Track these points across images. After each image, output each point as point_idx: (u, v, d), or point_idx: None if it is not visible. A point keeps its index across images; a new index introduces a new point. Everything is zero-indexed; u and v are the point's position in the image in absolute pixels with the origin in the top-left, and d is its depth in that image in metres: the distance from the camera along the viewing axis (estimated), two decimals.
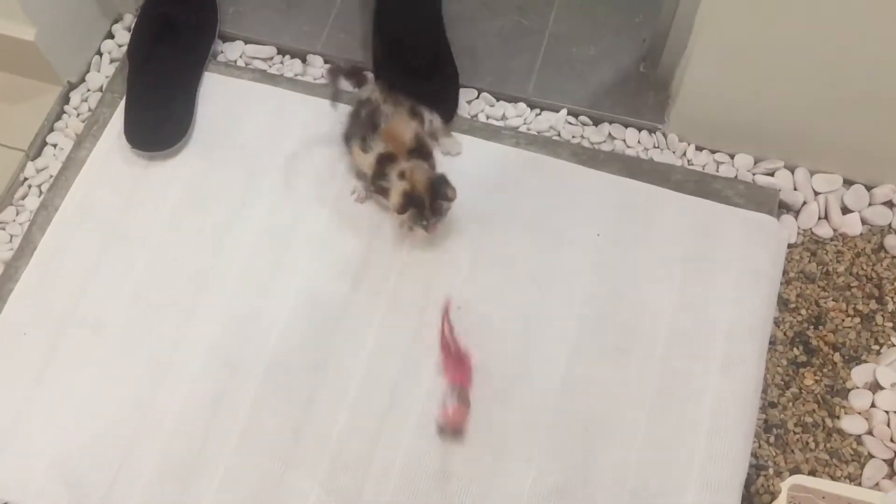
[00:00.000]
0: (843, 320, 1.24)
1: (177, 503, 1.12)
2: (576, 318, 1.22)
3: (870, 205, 1.32)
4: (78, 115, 1.45)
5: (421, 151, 1.24)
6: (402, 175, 1.21)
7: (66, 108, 1.46)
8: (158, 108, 1.38)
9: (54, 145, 1.42)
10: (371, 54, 1.43)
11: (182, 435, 1.15)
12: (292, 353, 1.21)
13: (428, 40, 1.41)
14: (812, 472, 1.14)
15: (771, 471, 1.15)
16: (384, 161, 1.22)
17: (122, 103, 1.40)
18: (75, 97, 1.47)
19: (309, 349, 1.22)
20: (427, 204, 1.20)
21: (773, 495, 1.13)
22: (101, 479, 1.13)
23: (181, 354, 1.21)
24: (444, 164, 1.32)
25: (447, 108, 1.36)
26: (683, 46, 1.28)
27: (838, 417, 1.18)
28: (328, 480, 1.12)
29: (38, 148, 1.42)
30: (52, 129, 1.44)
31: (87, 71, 1.50)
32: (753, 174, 1.35)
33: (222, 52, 1.50)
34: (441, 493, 1.12)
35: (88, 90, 1.48)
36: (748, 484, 1.13)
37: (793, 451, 1.16)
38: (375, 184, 1.24)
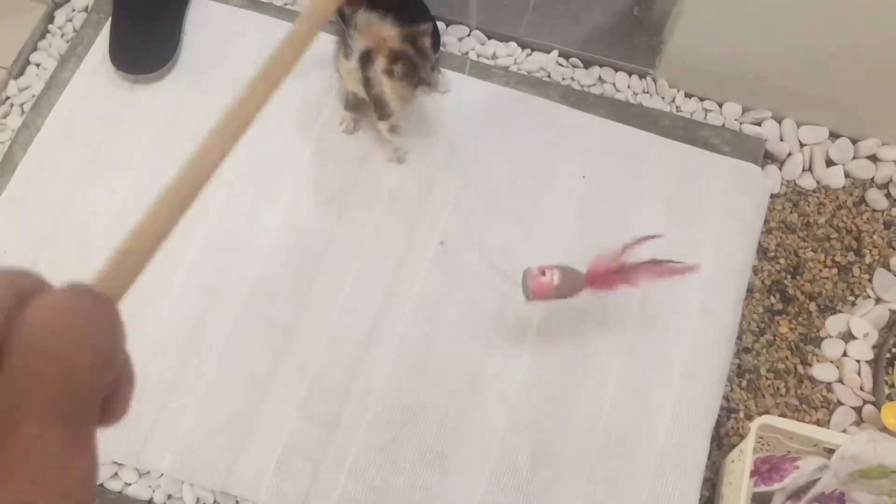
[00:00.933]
0: (821, 271, 1.26)
1: (155, 420, 1.13)
2: (558, 258, 1.22)
3: (854, 158, 1.33)
4: (62, 34, 1.43)
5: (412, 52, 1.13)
6: (388, 56, 1.11)
7: (51, 27, 1.43)
8: (145, 31, 1.35)
9: (37, 65, 1.40)
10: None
11: (162, 354, 1.16)
12: (274, 281, 1.21)
13: None
14: (782, 417, 1.16)
15: (741, 414, 1.18)
16: (367, 60, 1.14)
17: (108, 25, 1.38)
18: (60, 16, 1.44)
19: (291, 278, 1.22)
20: (413, 53, 1.10)
21: (743, 437, 1.15)
22: None
23: (162, 276, 1.21)
24: (432, 100, 1.31)
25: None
26: None
27: (810, 365, 1.20)
28: (306, 406, 1.14)
29: (20, 66, 1.40)
30: (35, 48, 1.42)
31: None
32: (741, 123, 1.35)
33: None
34: (418, 422, 1.13)
35: (74, 10, 1.45)
36: (718, 426, 1.16)
37: (764, 395, 1.18)
38: (369, 93, 1.16)
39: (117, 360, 0.29)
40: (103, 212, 1.26)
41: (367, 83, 1.17)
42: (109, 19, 1.38)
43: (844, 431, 1.16)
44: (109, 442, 1.12)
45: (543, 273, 1.03)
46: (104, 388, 0.28)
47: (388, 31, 1.13)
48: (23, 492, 0.25)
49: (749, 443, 0.99)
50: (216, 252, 1.23)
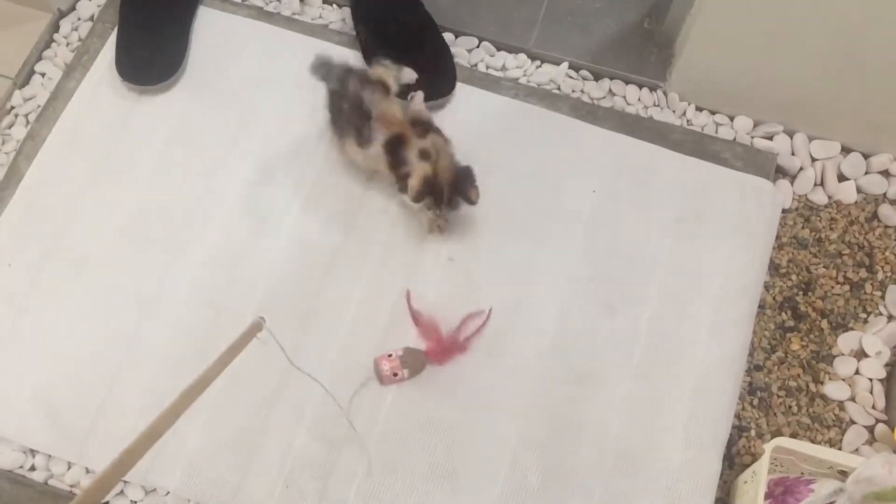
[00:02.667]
0: (833, 287, 1.25)
1: (163, 439, 1.11)
2: (568, 274, 1.22)
3: (866, 173, 1.32)
4: (68, 44, 1.41)
5: (419, 121, 1.18)
6: (424, 154, 1.14)
7: (56, 36, 1.42)
8: (151, 41, 1.34)
9: (42, 74, 1.39)
10: (357, 41, 1.38)
11: (167, 371, 1.15)
12: (281, 296, 1.20)
13: (409, 16, 1.36)
14: (793, 436, 1.16)
15: (753, 432, 1.16)
16: (395, 145, 1.15)
17: (114, 34, 1.37)
18: (65, 26, 1.43)
19: (298, 293, 1.21)
20: (445, 197, 1.14)
21: (755, 456, 1.14)
22: (84, 412, 1.13)
23: (167, 291, 1.20)
24: (443, 113, 1.30)
25: (447, 80, 1.33)
26: (690, 3, 1.26)
27: (822, 383, 1.19)
28: (314, 424, 1.12)
29: (25, 76, 1.39)
30: (40, 58, 1.40)
31: None
32: (752, 137, 1.34)
33: None
34: (427, 440, 1.12)
35: (79, 19, 1.43)
36: (730, 444, 1.15)
37: (775, 414, 1.17)
38: (396, 173, 1.16)
39: None
40: (108, 224, 1.24)
41: (394, 163, 1.16)
42: (115, 29, 1.37)
43: (857, 451, 1.15)
44: None
45: (391, 362, 1.14)
46: None
47: (399, 109, 1.17)
48: None
49: (763, 465, 0.98)
50: (223, 267, 1.22)
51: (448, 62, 1.34)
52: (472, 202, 1.15)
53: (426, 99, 1.26)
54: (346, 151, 1.23)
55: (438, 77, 1.31)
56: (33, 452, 1.13)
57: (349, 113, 1.18)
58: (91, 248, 1.23)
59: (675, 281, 1.22)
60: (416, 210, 1.18)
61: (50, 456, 1.13)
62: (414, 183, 1.13)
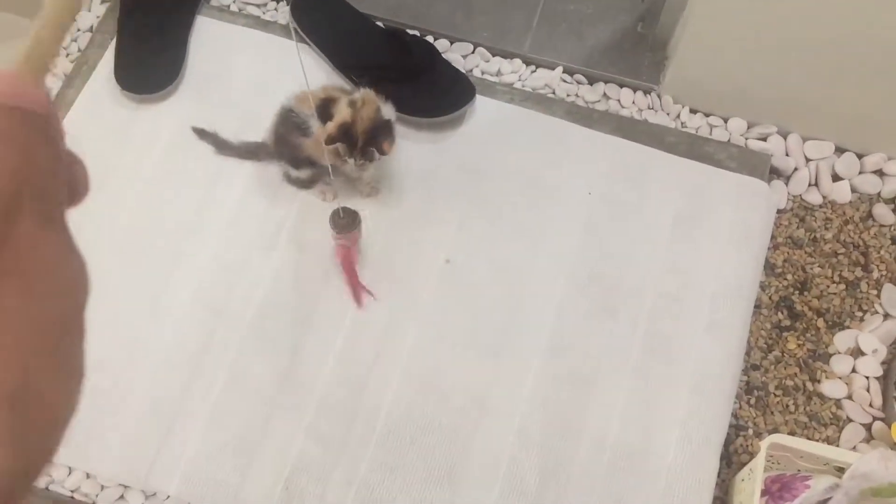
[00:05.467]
0: (829, 286, 1.25)
1: (162, 441, 1.13)
2: (564, 276, 1.23)
3: (860, 173, 1.33)
4: (67, 55, 1.42)
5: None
6: (352, 104, 1.15)
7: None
8: (150, 50, 1.36)
9: None
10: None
11: (168, 376, 1.15)
12: (280, 301, 1.21)
13: (403, 55, 1.33)
14: (791, 434, 1.16)
15: (750, 431, 1.17)
16: (325, 107, 1.16)
17: (113, 45, 1.38)
18: (65, 37, 1.43)
19: (296, 298, 1.21)
20: (358, 144, 1.14)
21: (752, 455, 1.14)
22: (85, 417, 1.13)
23: (168, 297, 1.21)
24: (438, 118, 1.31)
25: (462, 88, 1.33)
26: (682, 6, 1.27)
27: (819, 381, 1.20)
28: (313, 427, 1.13)
29: None
30: None
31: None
32: (746, 139, 1.35)
33: None
34: (426, 442, 1.13)
35: (79, 30, 1.45)
36: (727, 443, 1.15)
37: (773, 412, 1.18)
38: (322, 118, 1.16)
39: (49, 156, 0.32)
40: (109, 234, 1.25)
41: (323, 115, 1.17)
42: (114, 39, 1.38)
43: (854, 448, 1.15)
44: (116, 463, 1.12)
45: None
46: (52, 180, 0.32)
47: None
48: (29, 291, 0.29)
49: (759, 462, 0.98)
50: (222, 272, 1.23)
51: (458, 73, 1.35)
52: (383, 153, 1.16)
53: (443, 113, 1.30)
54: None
55: (453, 89, 1.32)
56: None
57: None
58: (92, 255, 1.23)
59: (671, 282, 1.23)
60: (350, 174, 1.22)
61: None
62: (330, 126, 1.14)
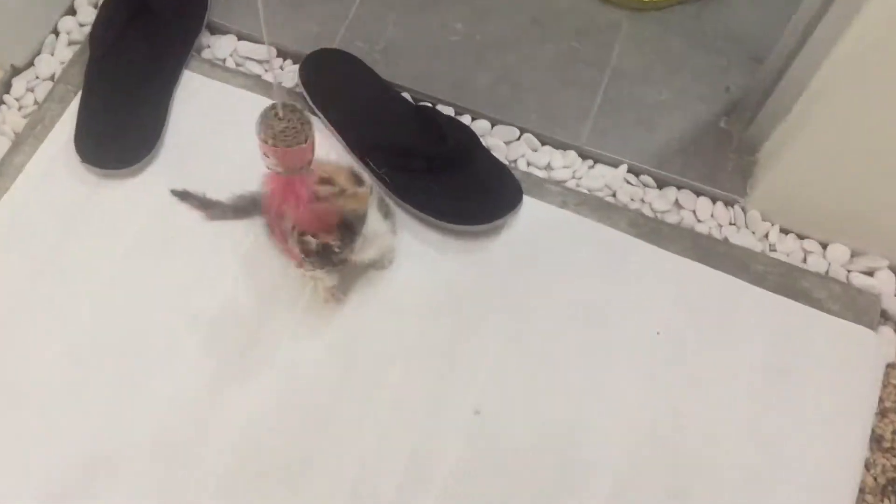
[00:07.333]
0: None
1: None
2: (621, 442, 0.99)
3: None
4: (20, 108, 1.19)
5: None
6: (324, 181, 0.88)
7: (6, 97, 1.20)
8: (121, 112, 1.14)
9: None
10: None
11: None
12: (263, 450, 0.98)
13: (399, 115, 1.14)
14: None
15: None
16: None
17: (77, 100, 1.16)
18: (19, 85, 1.20)
19: (283, 448, 0.98)
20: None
21: None
22: None
23: (121, 437, 0.97)
24: None
25: (506, 188, 1.11)
26: (789, 106, 1.03)
27: None
28: None
29: None
30: None
31: (38, 53, 1.23)
32: (848, 271, 1.11)
33: (209, 46, 1.24)
34: None
35: (37, 77, 1.22)
36: None
37: None
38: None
39: None
40: (52, 346, 1.02)
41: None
42: (79, 93, 1.15)
43: None
44: None
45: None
46: None
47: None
48: None
49: None
50: (186, 410, 0.98)
51: (503, 168, 1.12)
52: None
53: (481, 221, 1.08)
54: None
55: (496, 188, 1.10)
56: None
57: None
58: (29, 376, 1.00)
59: (755, 457, 0.99)
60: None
61: None
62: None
